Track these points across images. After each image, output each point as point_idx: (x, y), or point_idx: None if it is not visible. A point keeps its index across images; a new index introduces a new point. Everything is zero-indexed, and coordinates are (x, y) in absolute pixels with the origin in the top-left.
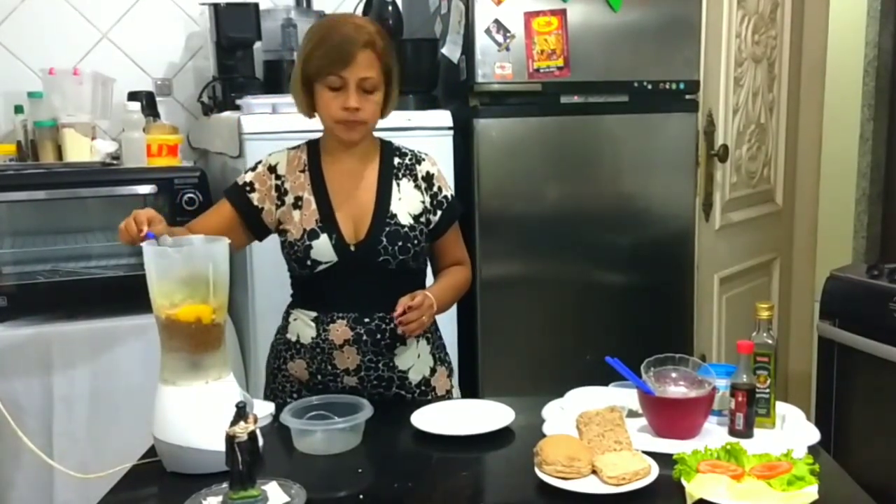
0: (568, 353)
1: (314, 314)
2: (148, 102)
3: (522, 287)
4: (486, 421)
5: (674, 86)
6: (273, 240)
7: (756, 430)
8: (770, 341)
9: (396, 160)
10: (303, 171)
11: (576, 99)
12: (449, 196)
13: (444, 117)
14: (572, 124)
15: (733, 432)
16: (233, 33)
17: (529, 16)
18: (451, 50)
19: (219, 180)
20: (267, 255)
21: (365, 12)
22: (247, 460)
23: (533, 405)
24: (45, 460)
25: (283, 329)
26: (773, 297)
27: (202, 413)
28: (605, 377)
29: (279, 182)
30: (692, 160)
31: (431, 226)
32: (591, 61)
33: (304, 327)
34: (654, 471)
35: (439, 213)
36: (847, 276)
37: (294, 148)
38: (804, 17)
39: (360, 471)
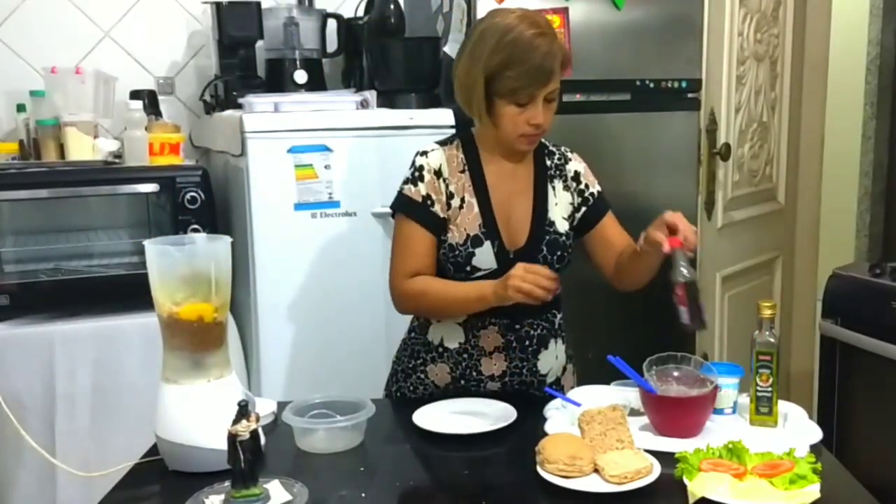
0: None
1: (464, 318)
2: (150, 101)
3: None
4: (487, 420)
5: (676, 84)
6: (272, 238)
7: (758, 429)
8: (772, 340)
9: (547, 160)
10: (462, 172)
11: (578, 97)
12: (595, 192)
13: (445, 116)
14: (574, 123)
15: (685, 326)
16: (235, 32)
17: None
18: (453, 48)
19: (221, 179)
20: (269, 254)
21: (367, 11)
22: (249, 459)
23: (535, 404)
24: (47, 458)
25: (422, 329)
26: (776, 295)
27: (204, 411)
28: (607, 376)
29: (446, 185)
30: (694, 159)
31: (575, 223)
32: (593, 60)
33: (450, 331)
34: (656, 469)
35: (584, 209)
36: (849, 275)
37: (447, 144)
38: (806, 16)
39: (361, 469)
